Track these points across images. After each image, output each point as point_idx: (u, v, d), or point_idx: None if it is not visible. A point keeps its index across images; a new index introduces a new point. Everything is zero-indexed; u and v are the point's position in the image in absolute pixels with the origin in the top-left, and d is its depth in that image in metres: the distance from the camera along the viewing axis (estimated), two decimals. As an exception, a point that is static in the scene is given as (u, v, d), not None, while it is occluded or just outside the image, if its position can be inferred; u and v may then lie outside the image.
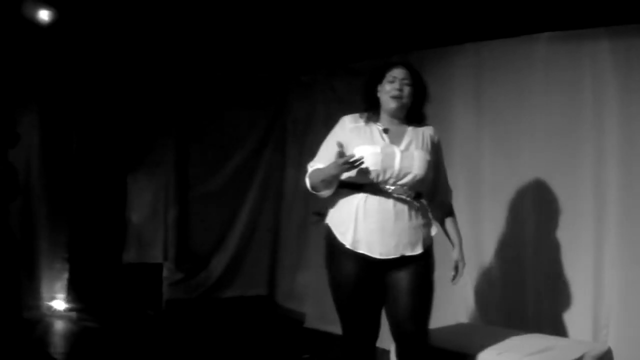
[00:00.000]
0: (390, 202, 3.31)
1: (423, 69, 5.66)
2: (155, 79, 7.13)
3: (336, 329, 6.13)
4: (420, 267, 3.35)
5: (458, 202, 5.06)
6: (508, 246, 5.14)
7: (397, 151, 3.34)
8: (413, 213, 3.34)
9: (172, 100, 7.33)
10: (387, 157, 3.32)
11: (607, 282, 4.61)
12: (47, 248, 6.84)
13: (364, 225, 3.33)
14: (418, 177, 3.32)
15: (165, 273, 7.19)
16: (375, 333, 3.45)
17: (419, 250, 3.33)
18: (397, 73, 3.45)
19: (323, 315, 6.48)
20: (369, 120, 3.49)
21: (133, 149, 7.25)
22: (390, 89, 3.42)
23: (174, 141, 7.39)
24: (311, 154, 6.87)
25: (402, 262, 3.31)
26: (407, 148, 3.37)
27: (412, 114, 3.50)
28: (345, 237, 3.36)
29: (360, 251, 3.33)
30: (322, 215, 6.02)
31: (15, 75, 6.57)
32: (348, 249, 3.34)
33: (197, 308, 7.20)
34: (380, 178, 3.31)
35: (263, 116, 7.64)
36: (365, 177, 3.33)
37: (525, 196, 5.03)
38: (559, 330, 4.60)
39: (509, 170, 5.16)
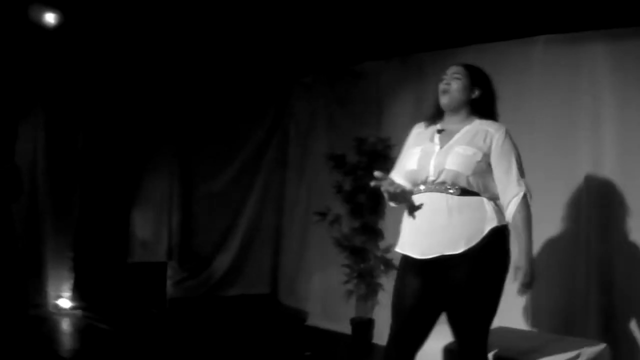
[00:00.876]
0: (429, 200, 3.16)
1: (422, 71, 5.74)
2: (159, 81, 7.14)
3: (337, 326, 6.22)
4: (466, 267, 3.04)
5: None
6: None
7: (436, 149, 3.21)
8: (455, 209, 3.09)
9: (175, 103, 7.35)
10: (425, 156, 3.22)
11: (604, 281, 4.62)
12: (53, 247, 6.85)
13: (408, 226, 3.25)
14: (452, 173, 3.09)
15: (169, 272, 7.21)
16: (416, 336, 3.18)
17: (461, 248, 3.03)
18: (449, 70, 3.34)
19: (325, 313, 6.52)
20: (430, 123, 3.38)
21: (138, 151, 7.26)
22: (440, 86, 3.32)
23: (177, 143, 7.42)
24: (313, 155, 6.97)
25: (450, 262, 3.06)
26: (450, 145, 3.20)
27: (477, 110, 3.31)
28: (398, 240, 3.29)
29: (405, 252, 3.23)
30: (324, 215, 6.09)
31: (22, 76, 6.59)
32: (400, 252, 3.27)
33: (200, 306, 7.22)
34: (420, 177, 3.21)
35: (265, 118, 7.66)
36: (412, 178, 3.26)
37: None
38: (555, 328, 4.60)
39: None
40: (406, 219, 3.27)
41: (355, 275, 5.86)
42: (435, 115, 3.37)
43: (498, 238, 3.10)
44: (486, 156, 3.15)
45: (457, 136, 3.21)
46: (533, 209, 4.78)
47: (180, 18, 5.74)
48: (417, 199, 3.20)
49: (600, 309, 4.61)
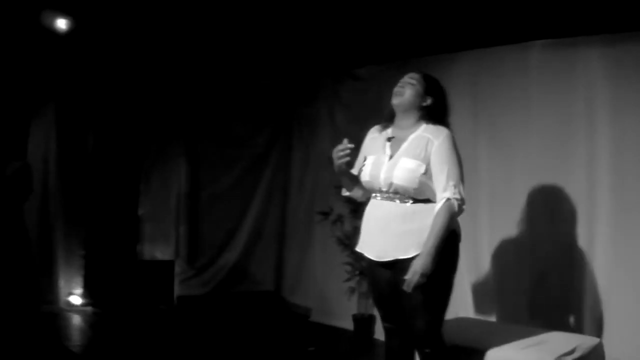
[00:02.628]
0: (382, 208, 3.34)
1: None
2: (168, 84, 7.15)
3: (340, 322, 6.22)
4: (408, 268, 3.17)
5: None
6: (503, 244, 5.14)
7: (385, 160, 3.35)
8: (408, 218, 3.25)
9: (183, 105, 7.35)
10: (375, 167, 3.37)
11: (598, 279, 4.62)
12: (64, 245, 6.86)
13: (365, 230, 3.44)
14: (400, 186, 3.24)
15: (177, 270, 7.21)
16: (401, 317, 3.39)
17: (412, 253, 3.19)
18: (406, 76, 3.46)
19: (328, 310, 6.52)
20: (383, 129, 3.50)
21: (146, 152, 7.27)
22: (395, 88, 3.44)
23: (185, 144, 7.42)
24: (316, 156, 6.97)
25: (403, 264, 3.21)
26: (397, 156, 3.32)
27: (428, 118, 3.39)
28: (359, 239, 3.50)
29: (364, 253, 3.44)
30: (326, 214, 6.09)
31: (34, 78, 6.61)
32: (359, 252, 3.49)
33: (207, 303, 7.22)
34: (373, 187, 3.39)
35: (270, 120, 7.66)
36: (366, 187, 3.45)
37: (519, 197, 5.03)
38: (552, 324, 4.60)
39: (504, 173, 5.17)
40: (364, 221, 3.47)
41: (357, 273, 5.86)
42: (388, 119, 3.50)
43: (446, 242, 3.21)
44: (428, 165, 3.26)
45: (404, 145, 3.33)
46: (531, 209, 4.81)
47: (190, 24, 5.75)
48: (373, 204, 3.40)
49: (594, 305, 4.62)
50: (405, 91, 3.39)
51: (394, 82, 6.15)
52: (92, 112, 7.01)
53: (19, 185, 5.95)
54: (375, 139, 3.53)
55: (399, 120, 3.43)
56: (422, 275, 3.12)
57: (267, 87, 7.49)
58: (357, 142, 5.88)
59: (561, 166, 4.85)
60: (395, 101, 3.41)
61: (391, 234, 3.27)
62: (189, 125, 7.42)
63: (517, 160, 5.12)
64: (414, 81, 3.41)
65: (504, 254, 5.14)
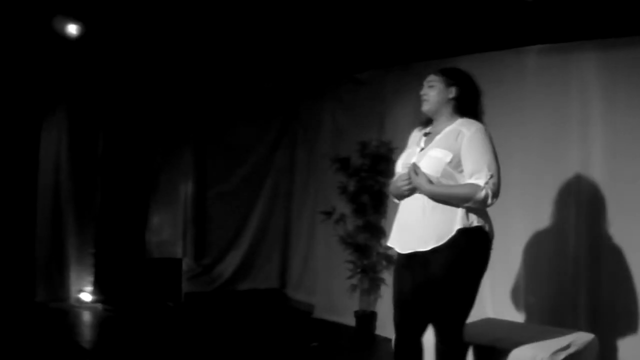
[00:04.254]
0: (410, 200, 3.23)
1: (421, 79, 5.71)
2: (176, 88, 7.17)
3: (342, 319, 6.23)
4: (433, 265, 3.10)
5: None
6: (500, 243, 5.13)
7: (417, 152, 3.29)
8: (429, 210, 3.14)
9: (191, 108, 7.38)
10: (407, 159, 3.31)
11: (593, 277, 4.63)
12: (75, 244, 6.88)
13: (396, 222, 3.35)
14: (429, 175, 3.13)
15: (184, 268, 7.22)
16: (418, 324, 3.29)
17: (430, 245, 3.08)
18: (426, 80, 3.39)
19: (330, 306, 6.52)
20: (423, 127, 3.44)
21: (155, 153, 7.29)
22: (421, 96, 3.40)
23: (192, 146, 7.45)
24: (319, 157, 6.98)
25: (423, 258, 3.13)
26: (428, 148, 3.25)
27: (460, 108, 3.32)
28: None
29: (392, 245, 3.35)
30: (329, 214, 6.11)
31: (46, 81, 6.63)
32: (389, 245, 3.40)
33: (214, 300, 7.23)
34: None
35: (274, 123, 7.68)
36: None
37: (516, 197, 5.03)
38: (547, 320, 4.61)
39: (501, 174, 5.16)
40: (396, 215, 3.36)
41: (359, 271, 5.88)
42: (427, 121, 3.41)
43: (467, 238, 3.11)
44: (457, 156, 3.15)
45: (437, 138, 3.25)
46: (527, 209, 4.79)
47: (197, 30, 5.77)
48: (407, 198, 3.26)
49: (589, 302, 4.63)
50: (429, 94, 3.33)
51: (394, 85, 6.20)
52: (102, 115, 7.03)
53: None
54: (415, 136, 3.47)
55: (435, 121, 3.37)
56: (414, 182, 3.14)
57: (271, 91, 7.50)
58: (358, 143, 5.95)
59: (556, 167, 4.86)
60: (424, 108, 3.36)
61: (413, 226, 3.19)
62: (196, 127, 7.44)
63: (513, 160, 5.11)
64: (433, 82, 3.34)
65: (500, 251, 5.11)
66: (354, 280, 5.90)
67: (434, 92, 3.32)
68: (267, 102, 7.57)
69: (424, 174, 3.14)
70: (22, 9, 5.30)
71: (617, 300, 4.50)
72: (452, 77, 3.35)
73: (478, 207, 3.12)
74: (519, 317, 4.88)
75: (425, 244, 3.11)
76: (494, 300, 5.12)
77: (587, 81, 4.72)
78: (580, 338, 3.94)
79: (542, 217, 4.91)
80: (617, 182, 4.54)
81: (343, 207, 6.04)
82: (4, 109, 6.36)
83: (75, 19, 5.61)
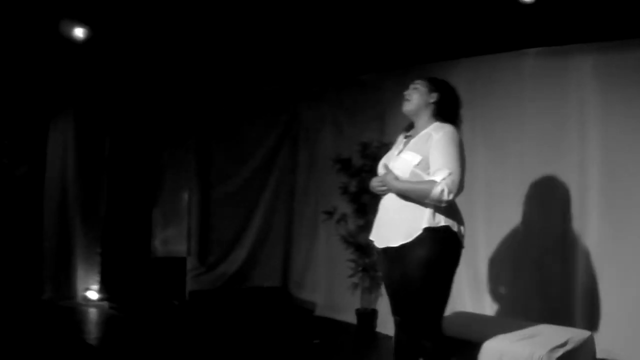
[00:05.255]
0: (386, 198, 3.43)
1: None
2: (181, 91, 7.19)
3: (344, 316, 6.24)
4: (406, 262, 3.24)
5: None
6: (498, 242, 5.17)
7: (394, 156, 3.45)
8: (400, 209, 3.30)
9: (195, 110, 7.39)
10: (387, 160, 3.50)
11: (589, 275, 4.65)
12: (82, 244, 6.91)
13: (376, 219, 3.55)
14: (397, 176, 3.31)
15: (189, 266, 7.23)
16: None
17: (399, 242, 3.26)
18: (412, 84, 3.54)
19: (332, 304, 6.54)
20: (407, 131, 3.58)
21: (159, 154, 7.31)
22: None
23: (196, 147, 7.46)
24: (320, 158, 6.99)
25: (393, 253, 3.34)
26: (404, 150, 3.40)
27: (439, 113, 3.44)
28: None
29: (372, 239, 3.54)
30: (331, 213, 6.12)
31: (53, 84, 6.65)
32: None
33: (217, 298, 7.23)
34: None
35: (277, 124, 7.68)
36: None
37: (514, 197, 5.06)
38: (545, 318, 4.63)
39: (500, 174, 5.19)
40: (378, 211, 3.55)
41: (360, 269, 5.89)
42: (410, 125, 3.57)
43: (434, 237, 3.22)
44: (425, 158, 3.27)
45: (412, 142, 3.40)
46: (525, 208, 4.82)
47: (202, 33, 5.79)
48: (385, 196, 3.46)
49: (586, 300, 4.65)
50: (412, 95, 3.48)
51: (395, 88, 6.20)
52: (108, 117, 7.06)
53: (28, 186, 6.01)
54: (398, 139, 3.62)
55: (415, 124, 3.51)
56: (384, 180, 3.36)
57: (274, 93, 7.52)
58: (359, 144, 5.96)
59: (554, 167, 4.88)
60: (405, 107, 3.50)
61: (387, 222, 3.39)
62: (200, 129, 7.46)
63: (512, 161, 5.14)
64: (417, 85, 3.50)
65: (499, 250, 5.17)
66: (355, 279, 5.92)
67: (416, 94, 3.48)
68: (269, 104, 7.58)
69: (393, 174, 3.32)
70: (29, 13, 5.32)
71: (613, 297, 4.52)
72: (436, 84, 3.51)
73: (437, 203, 3.22)
74: (517, 314, 4.89)
75: (395, 241, 3.29)
76: (495, 298, 5.15)
77: (584, 83, 4.74)
78: (577, 335, 3.97)
79: (539, 216, 4.92)
80: (613, 181, 4.55)
81: (344, 207, 6.05)
82: (13, 111, 6.39)
83: (81, 22, 5.63)
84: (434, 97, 3.45)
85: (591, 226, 4.66)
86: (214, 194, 7.56)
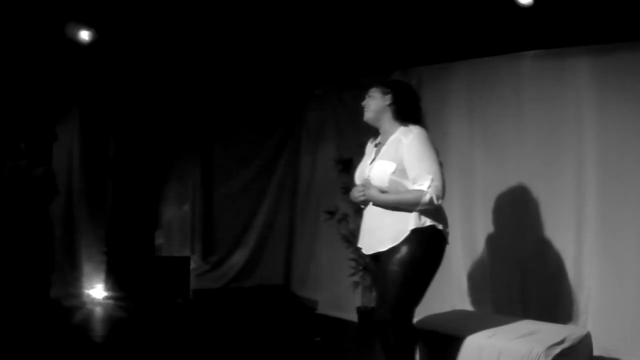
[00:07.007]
0: (369, 207, 3.47)
1: (421, 83, 5.76)
2: (185, 92, 7.19)
3: (345, 314, 6.24)
4: (391, 260, 3.29)
5: (453, 203, 5.13)
6: (498, 242, 5.16)
7: (368, 164, 3.48)
8: (385, 215, 3.34)
9: (199, 111, 7.39)
10: (361, 172, 3.55)
11: (586, 274, 4.65)
12: (88, 243, 6.90)
13: (362, 227, 3.57)
14: (376, 186, 3.36)
15: (192, 265, 7.22)
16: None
17: (387, 246, 3.30)
18: (367, 93, 3.57)
19: (333, 303, 6.54)
20: (375, 139, 3.61)
21: (164, 155, 7.31)
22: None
23: (200, 148, 7.46)
24: (322, 159, 6.99)
25: (382, 257, 3.36)
26: (377, 159, 3.43)
27: (398, 113, 3.46)
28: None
29: (360, 247, 3.57)
30: (332, 213, 6.11)
31: (59, 85, 6.65)
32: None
33: (221, 296, 7.24)
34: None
35: (279, 126, 7.68)
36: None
37: (513, 197, 5.06)
38: (543, 316, 4.63)
39: (498, 175, 5.19)
40: (362, 221, 3.57)
41: (361, 268, 5.88)
42: (377, 132, 3.59)
43: (420, 236, 3.28)
44: (400, 164, 3.30)
45: (383, 149, 3.43)
46: (523, 208, 4.81)
47: (205, 35, 5.79)
48: (368, 207, 3.50)
49: (583, 298, 4.64)
50: (369, 103, 3.51)
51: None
52: (113, 117, 7.05)
53: (45, 187, 6.01)
54: (369, 148, 3.64)
55: (380, 129, 3.54)
56: (366, 194, 3.40)
57: (276, 95, 7.52)
58: (360, 146, 5.95)
59: (552, 168, 4.88)
60: (365, 117, 3.54)
61: (373, 229, 3.42)
62: (203, 130, 7.46)
63: (509, 162, 5.14)
64: (371, 93, 3.53)
65: (498, 249, 5.16)
66: (356, 278, 5.91)
67: (372, 101, 3.51)
68: (272, 106, 7.58)
69: (374, 187, 3.36)
70: (35, 15, 5.33)
71: (609, 295, 4.52)
72: (387, 86, 3.55)
73: (427, 209, 3.27)
74: (515, 311, 4.88)
75: (384, 245, 3.33)
76: (494, 295, 5.14)
77: (581, 85, 4.74)
78: (575, 333, 3.95)
79: (538, 216, 4.92)
80: (610, 180, 4.55)
81: (345, 206, 6.04)
82: (19, 111, 6.39)
83: (87, 25, 5.63)
84: (388, 98, 3.47)
85: (588, 225, 4.66)
86: (218, 193, 7.57)
